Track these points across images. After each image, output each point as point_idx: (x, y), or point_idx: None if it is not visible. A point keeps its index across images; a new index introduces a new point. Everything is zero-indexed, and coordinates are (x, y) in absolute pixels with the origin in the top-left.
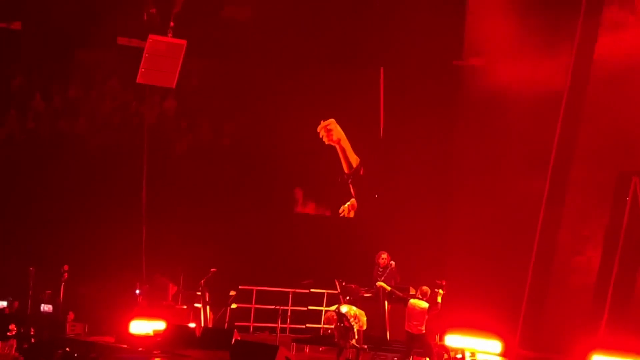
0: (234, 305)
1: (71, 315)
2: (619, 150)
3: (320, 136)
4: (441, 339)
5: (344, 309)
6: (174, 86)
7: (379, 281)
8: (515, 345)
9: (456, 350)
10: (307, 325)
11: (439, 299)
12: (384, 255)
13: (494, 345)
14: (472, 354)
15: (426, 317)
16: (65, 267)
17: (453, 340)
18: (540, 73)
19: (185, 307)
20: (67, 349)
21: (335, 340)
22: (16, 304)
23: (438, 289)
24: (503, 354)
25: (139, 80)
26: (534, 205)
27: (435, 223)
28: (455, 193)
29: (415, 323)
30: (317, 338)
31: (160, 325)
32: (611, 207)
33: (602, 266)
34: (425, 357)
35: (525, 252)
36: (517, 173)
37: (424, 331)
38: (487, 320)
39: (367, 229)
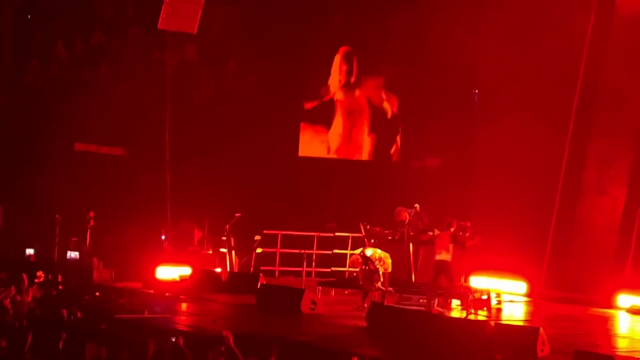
0: (259, 250)
1: (97, 262)
2: (634, 119)
3: None
4: (466, 280)
5: (369, 252)
6: (195, 32)
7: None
8: (541, 286)
9: (481, 292)
10: (332, 268)
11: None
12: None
13: (519, 286)
14: (498, 295)
15: (451, 246)
16: (91, 214)
17: (478, 281)
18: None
19: (210, 252)
20: (97, 293)
21: (361, 283)
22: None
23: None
24: (528, 294)
25: (160, 26)
26: (559, 146)
27: (461, 165)
28: (480, 134)
29: (442, 251)
30: (342, 281)
31: (186, 270)
32: (636, 146)
33: (627, 205)
34: (449, 297)
35: (550, 192)
36: (541, 114)
37: (449, 259)
38: (512, 261)
39: (392, 171)
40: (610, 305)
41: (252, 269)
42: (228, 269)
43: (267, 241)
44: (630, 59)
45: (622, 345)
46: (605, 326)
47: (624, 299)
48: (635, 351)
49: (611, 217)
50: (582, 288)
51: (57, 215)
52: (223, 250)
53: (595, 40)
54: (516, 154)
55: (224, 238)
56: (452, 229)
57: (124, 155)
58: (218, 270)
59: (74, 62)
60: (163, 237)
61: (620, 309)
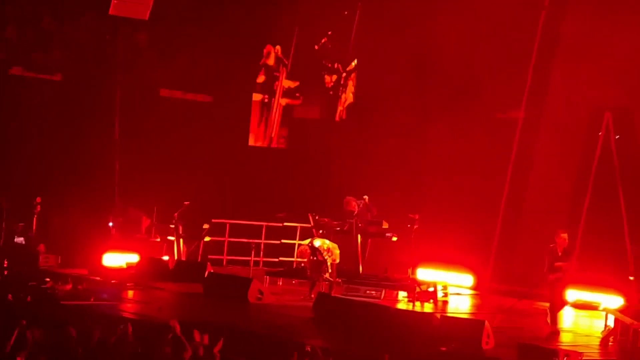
0: (207, 239)
1: (43, 247)
2: (592, 86)
3: None
4: (413, 272)
5: (317, 242)
6: (147, 18)
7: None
8: (487, 279)
9: (428, 284)
10: (281, 258)
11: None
12: (353, 204)
13: (466, 279)
14: (444, 287)
15: None
16: (38, 199)
17: (425, 273)
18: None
19: (158, 239)
20: (47, 279)
21: (308, 273)
22: None
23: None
24: (475, 287)
25: (111, 11)
26: (508, 139)
27: (410, 157)
28: (428, 128)
29: None
30: (290, 271)
31: (133, 257)
32: (583, 143)
33: (574, 201)
34: (397, 290)
35: (498, 186)
36: (490, 109)
37: None
38: (459, 254)
39: (341, 163)
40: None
41: (199, 257)
42: (176, 257)
43: (216, 230)
44: (580, 54)
45: (566, 339)
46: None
47: (569, 294)
48: (579, 345)
49: (558, 211)
50: (529, 282)
51: (2, 200)
52: (171, 238)
53: (545, 36)
54: (465, 147)
55: (172, 226)
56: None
57: (73, 139)
58: (166, 258)
59: (25, 46)
60: (110, 224)
61: (567, 303)
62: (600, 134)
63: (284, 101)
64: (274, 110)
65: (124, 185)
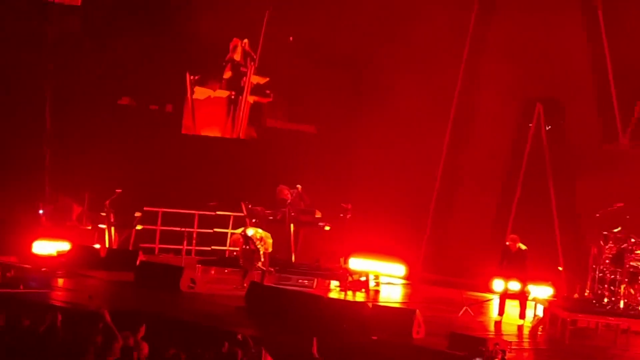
0: (139, 227)
1: None
2: (523, 77)
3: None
4: (345, 262)
5: (250, 231)
6: (79, 3)
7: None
8: (419, 269)
9: (360, 273)
10: (213, 247)
11: None
12: (286, 192)
13: (398, 269)
14: (376, 277)
15: None
16: None
17: (357, 263)
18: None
19: (89, 227)
20: None
21: (241, 262)
22: None
23: (344, 213)
24: (406, 277)
25: None
26: (440, 130)
27: (342, 147)
28: (363, 116)
29: None
30: (222, 260)
31: (64, 245)
32: (514, 133)
33: (505, 192)
34: (330, 279)
35: (430, 176)
36: (425, 98)
37: None
38: (391, 243)
39: (274, 151)
40: (486, 289)
41: (131, 246)
42: (107, 245)
43: (148, 218)
44: (509, 48)
45: (495, 328)
46: (480, 310)
47: (500, 284)
48: (508, 334)
49: (489, 202)
50: (460, 271)
51: None
52: (102, 226)
53: (477, 29)
54: (398, 136)
55: (104, 214)
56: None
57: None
58: (97, 246)
59: None
60: (41, 212)
61: (495, 293)
62: (531, 125)
63: (252, 99)
64: (241, 108)
65: (55, 173)
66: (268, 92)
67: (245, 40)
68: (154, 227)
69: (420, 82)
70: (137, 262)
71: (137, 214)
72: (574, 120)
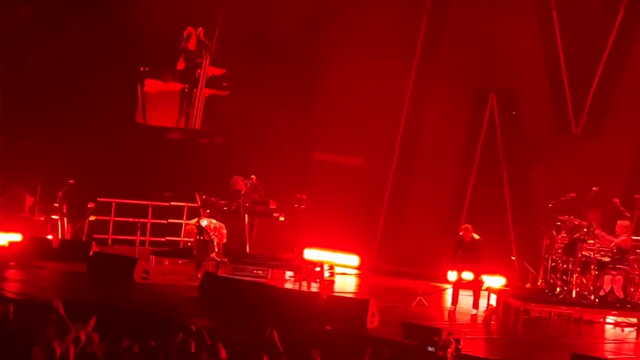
0: (92, 218)
1: None
2: (477, 68)
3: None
4: (300, 252)
5: (204, 222)
6: None
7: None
8: (373, 259)
9: (314, 263)
10: (167, 238)
11: None
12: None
13: (352, 259)
14: (330, 267)
15: None
16: None
17: (312, 253)
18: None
19: (42, 218)
20: None
21: (195, 253)
22: None
23: (299, 204)
24: (360, 267)
25: None
26: (394, 120)
27: (295, 137)
28: (317, 106)
29: None
30: (176, 251)
31: (16, 236)
32: (468, 123)
33: (459, 182)
34: (284, 269)
35: (385, 166)
36: (376, 89)
37: None
38: (345, 234)
39: (228, 142)
40: (440, 279)
41: (84, 236)
42: (60, 236)
43: (101, 209)
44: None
45: (450, 318)
46: (434, 300)
47: (453, 274)
48: (462, 324)
49: (443, 192)
50: (414, 262)
51: None
52: (55, 217)
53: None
54: (352, 127)
55: (57, 205)
56: None
57: None
58: (49, 237)
59: None
60: None
61: (449, 283)
62: (485, 114)
63: (207, 91)
64: (196, 102)
65: (7, 163)
66: (225, 84)
67: (200, 29)
68: (107, 218)
69: (373, 73)
70: (90, 253)
71: (90, 205)
72: (527, 110)
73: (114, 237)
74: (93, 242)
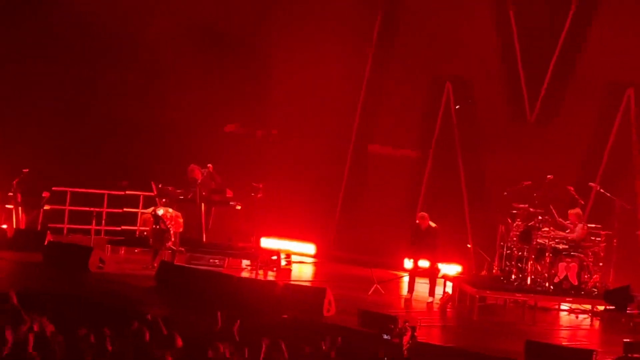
0: (47, 207)
1: None
2: (433, 56)
3: None
4: (257, 241)
5: (160, 211)
6: None
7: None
8: (330, 247)
9: (271, 252)
10: (123, 227)
11: None
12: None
13: (308, 248)
14: (287, 256)
15: None
16: None
17: (268, 242)
18: None
19: None
20: None
21: (151, 242)
22: None
23: (255, 192)
24: (317, 256)
25: None
26: (350, 110)
27: (252, 126)
28: (273, 96)
29: None
30: (132, 240)
31: None
32: (425, 109)
33: (415, 170)
34: (241, 258)
35: (341, 155)
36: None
37: None
38: (302, 222)
39: (183, 131)
40: (397, 267)
41: (39, 226)
42: (14, 226)
43: (56, 198)
44: (419, 27)
45: (406, 305)
46: (390, 288)
47: (410, 262)
48: (418, 311)
49: (399, 180)
50: (370, 250)
51: None
52: (9, 206)
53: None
54: (308, 114)
55: (11, 194)
56: None
57: None
58: (4, 226)
59: None
60: None
61: (406, 270)
62: (442, 100)
63: None
64: None
65: None
66: None
67: None
68: (62, 207)
69: (330, 61)
70: (45, 243)
71: (45, 194)
72: (482, 98)
73: (69, 226)
74: (48, 232)
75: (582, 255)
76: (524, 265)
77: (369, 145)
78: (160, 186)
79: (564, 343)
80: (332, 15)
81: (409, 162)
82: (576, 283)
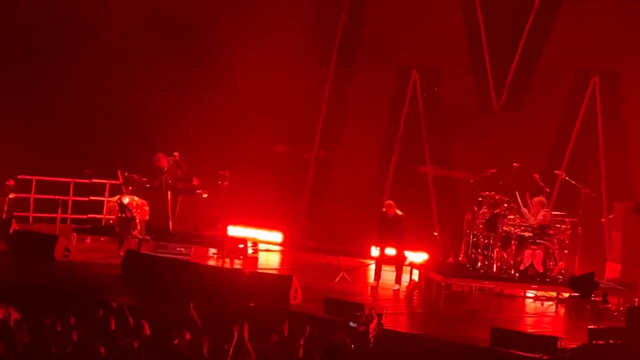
0: (12, 195)
1: None
2: (399, 44)
3: None
4: (224, 229)
5: (126, 199)
6: None
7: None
8: (297, 236)
9: (238, 240)
10: (89, 215)
11: None
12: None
13: (275, 236)
14: (254, 244)
15: None
16: None
17: (235, 230)
18: None
19: None
20: None
21: (117, 230)
22: None
23: (222, 181)
24: (284, 244)
25: None
26: (318, 97)
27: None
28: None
29: None
30: (98, 228)
31: None
32: (391, 100)
33: (381, 157)
34: (208, 246)
35: (308, 143)
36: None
37: None
38: (269, 210)
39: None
40: (363, 255)
41: (4, 214)
42: None
43: (21, 186)
44: (386, 14)
45: (372, 293)
46: (357, 275)
47: (376, 250)
48: (385, 299)
49: (366, 168)
50: (338, 239)
51: None
52: None
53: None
54: (275, 102)
55: None
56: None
57: None
58: None
59: None
60: None
61: (372, 258)
62: (408, 88)
63: None
64: None
65: None
66: None
67: None
68: (27, 195)
69: (296, 47)
70: (10, 231)
71: (10, 182)
72: (449, 87)
73: (35, 214)
74: (13, 220)
75: (547, 243)
76: (489, 253)
77: (335, 133)
78: (126, 174)
79: (529, 330)
80: (297, 7)
81: (376, 150)
82: (541, 270)
